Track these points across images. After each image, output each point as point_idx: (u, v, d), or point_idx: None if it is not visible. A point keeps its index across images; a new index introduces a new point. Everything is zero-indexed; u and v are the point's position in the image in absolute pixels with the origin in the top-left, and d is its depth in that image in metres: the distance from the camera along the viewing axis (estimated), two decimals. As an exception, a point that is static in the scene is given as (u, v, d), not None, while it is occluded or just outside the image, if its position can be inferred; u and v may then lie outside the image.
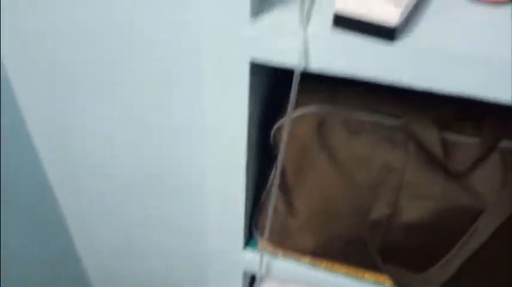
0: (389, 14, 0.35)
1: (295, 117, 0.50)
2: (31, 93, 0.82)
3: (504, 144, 0.47)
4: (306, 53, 0.38)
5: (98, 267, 1.18)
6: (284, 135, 0.43)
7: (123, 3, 0.64)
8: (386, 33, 0.36)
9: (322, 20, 0.39)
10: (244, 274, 0.63)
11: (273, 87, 0.56)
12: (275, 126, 0.52)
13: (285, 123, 0.42)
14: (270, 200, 0.57)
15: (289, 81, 0.42)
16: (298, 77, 0.40)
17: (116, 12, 0.65)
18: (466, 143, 0.48)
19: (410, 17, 0.39)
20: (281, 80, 0.53)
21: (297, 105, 0.50)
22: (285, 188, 0.55)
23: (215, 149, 0.48)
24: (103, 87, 0.77)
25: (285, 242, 0.58)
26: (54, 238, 1.05)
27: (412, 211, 0.50)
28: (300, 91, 0.51)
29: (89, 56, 0.73)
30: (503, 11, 0.43)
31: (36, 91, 0.81)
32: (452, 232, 0.50)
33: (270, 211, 0.56)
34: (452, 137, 0.48)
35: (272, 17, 0.39)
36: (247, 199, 0.55)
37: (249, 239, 0.61)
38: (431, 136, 0.47)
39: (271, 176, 0.58)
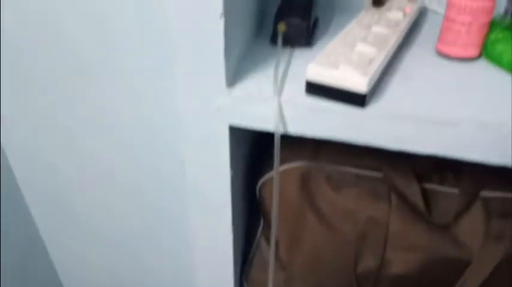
0: (357, 83, 0.36)
1: (279, 173, 0.51)
2: None
3: (485, 193, 0.48)
4: (281, 118, 0.40)
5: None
6: (274, 197, 0.44)
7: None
8: (356, 100, 0.37)
9: (296, 86, 0.40)
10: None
11: (259, 140, 0.58)
12: (260, 182, 0.53)
13: (270, 182, 0.43)
14: (258, 254, 0.57)
15: (273, 138, 0.43)
16: (279, 140, 0.41)
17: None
18: (448, 194, 0.49)
19: (379, 83, 0.40)
20: (267, 135, 0.54)
21: (281, 161, 0.51)
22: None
23: (201, 208, 0.49)
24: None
25: (276, 295, 0.57)
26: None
27: (399, 263, 0.50)
28: (284, 147, 0.52)
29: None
30: (471, 68, 0.45)
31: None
32: (441, 283, 0.49)
33: (259, 264, 0.56)
34: (433, 188, 0.49)
35: (248, 85, 0.41)
36: (235, 252, 0.55)
37: (241, 292, 0.61)
38: (412, 188, 0.48)
39: (260, 229, 0.58)
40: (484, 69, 0.44)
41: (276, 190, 0.43)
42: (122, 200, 0.88)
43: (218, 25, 0.36)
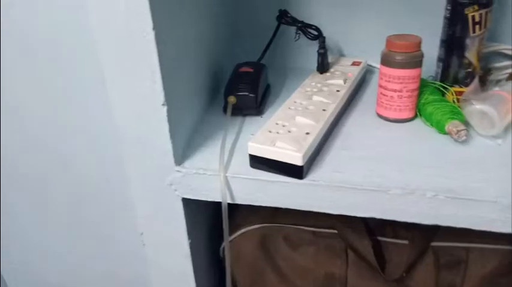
0: (294, 157, 0.39)
1: (238, 236, 0.53)
2: None
3: (435, 243, 0.50)
4: (228, 190, 0.42)
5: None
6: (227, 261, 0.46)
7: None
8: (294, 172, 0.40)
9: (242, 158, 0.43)
10: None
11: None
12: (222, 245, 0.55)
13: (225, 249, 0.45)
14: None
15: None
16: (226, 209, 0.43)
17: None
18: (400, 245, 0.51)
19: (317, 154, 0.43)
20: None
21: (240, 225, 0.53)
22: (240, 302, 0.56)
23: (162, 280, 0.51)
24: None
25: None
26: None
27: (361, 317, 0.51)
28: (243, 210, 0.54)
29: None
30: (407, 128, 0.48)
31: None
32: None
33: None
34: (387, 240, 0.51)
35: (196, 161, 0.43)
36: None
37: None
38: (364, 245, 0.50)
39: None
40: (418, 129, 0.48)
41: (227, 256, 0.45)
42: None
43: (161, 113, 0.39)
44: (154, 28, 0.36)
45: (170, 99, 0.40)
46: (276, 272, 0.52)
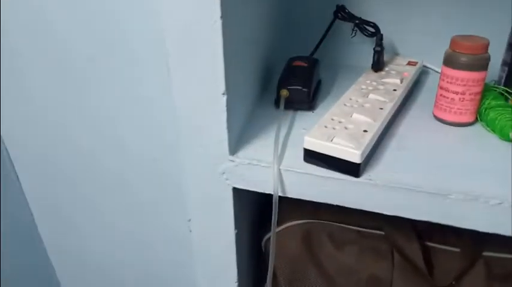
0: (351, 155, 0.39)
1: (282, 230, 0.53)
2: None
3: (487, 253, 0.48)
4: (280, 183, 0.42)
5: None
6: (271, 253, 0.46)
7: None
8: (351, 169, 0.39)
9: (296, 152, 0.43)
10: None
11: (267, 198, 0.60)
12: (264, 238, 0.55)
13: (271, 245, 0.45)
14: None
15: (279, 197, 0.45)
16: (277, 202, 0.43)
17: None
18: (450, 252, 0.49)
19: (374, 152, 0.42)
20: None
21: (284, 219, 0.53)
22: (279, 296, 0.56)
23: (206, 265, 0.51)
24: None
25: None
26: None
27: (403, 322, 0.50)
28: (288, 205, 0.54)
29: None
30: (466, 133, 0.46)
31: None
32: None
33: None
34: (435, 246, 0.50)
35: (250, 152, 0.43)
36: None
37: None
38: (413, 247, 0.49)
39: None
40: (479, 135, 0.46)
41: (272, 249, 0.45)
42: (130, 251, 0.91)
43: (220, 102, 0.39)
44: (222, 17, 0.36)
45: (229, 89, 0.40)
46: (317, 270, 0.52)
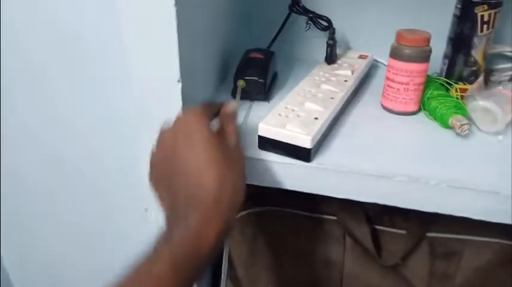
0: (302, 140, 0.40)
1: (240, 217, 0.54)
2: None
3: (431, 234, 0.52)
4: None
5: None
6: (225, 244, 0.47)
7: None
8: (302, 155, 0.41)
9: (251, 140, 0.44)
10: None
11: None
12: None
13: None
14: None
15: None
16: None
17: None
18: (397, 235, 0.52)
19: (324, 139, 0.44)
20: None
21: (242, 206, 0.54)
22: (236, 282, 0.57)
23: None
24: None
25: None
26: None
27: (355, 303, 0.53)
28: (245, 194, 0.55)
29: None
30: (411, 121, 0.49)
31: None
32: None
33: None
34: (384, 229, 0.53)
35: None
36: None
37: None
38: (363, 231, 0.51)
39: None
40: (422, 123, 0.49)
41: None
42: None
43: (176, 89, 0.40)
44: (176, 4, 0.36)
45: (185, 77, 0.41)
46: (274, 256, 0.53)
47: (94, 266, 0.91)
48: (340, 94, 0.48)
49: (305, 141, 0.40)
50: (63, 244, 0.92)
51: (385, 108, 0.51)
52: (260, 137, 0.42)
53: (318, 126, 0.42)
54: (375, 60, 0.65)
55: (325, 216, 0.53)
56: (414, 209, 0.41)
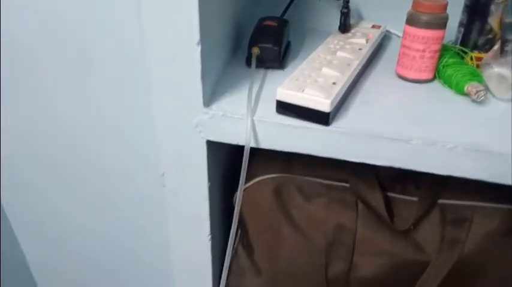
0: (322, 104, 0.41)
1: (254, 184, 0.55)
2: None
3: (442, 201, 0.53)
4: (253, 134, 0.44)
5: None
6: (237, 205, 0.48)
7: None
8: (321, 118, 0.41)
9: (268, 105, 0.44)
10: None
11: (238, 153, 0.61)
12: (236, 192, 0.57)
13: (238, 193, 0.47)
14: (236, 262, 0.60)
15: (250, 153, 0.47)
16: (248, 153, 0.45)
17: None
18: (408, 201, 0.53)
19: (342, 104, 0.45)
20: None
21: (256, 174, 0.55)
22: (249, 248, 0.58)
23: (179, 218, 0.52)
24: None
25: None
26: None
27: (367, 267, 0.54)
28: (259, 160, 0.56)
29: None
30: (426, 89, 0.50)
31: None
32: (403, 284, 0.54)
33: (236, 271, 0.59)
34: (395, 196, 0.54)
35: (223, 105, 0.45)
36: (214, 261, 0.58)
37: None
38: (376, 197, 0.52)
39: (237, 237, 0.61)
40: (436, 90, 0.49)
41: (238, 201, 0.47)
42: (98, 215, 0.90)
43: (195, 52, 0.40)
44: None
45: (204, 40, 0.41)
46: (288, 221, 0.54)
47: (112, 232, 0.93)
48: (356, 61, 0.49)
49: (324, 105, 0.40)
50: (81, 210, 0.93)
51: (400, 76, 0.51)
52: (278, 101, 0.43)
53: (336, 91, 0.42)
54: (387, 31, 0.65)
55: (338, 183, 0.54)
56: (429, 172, 0.42)
